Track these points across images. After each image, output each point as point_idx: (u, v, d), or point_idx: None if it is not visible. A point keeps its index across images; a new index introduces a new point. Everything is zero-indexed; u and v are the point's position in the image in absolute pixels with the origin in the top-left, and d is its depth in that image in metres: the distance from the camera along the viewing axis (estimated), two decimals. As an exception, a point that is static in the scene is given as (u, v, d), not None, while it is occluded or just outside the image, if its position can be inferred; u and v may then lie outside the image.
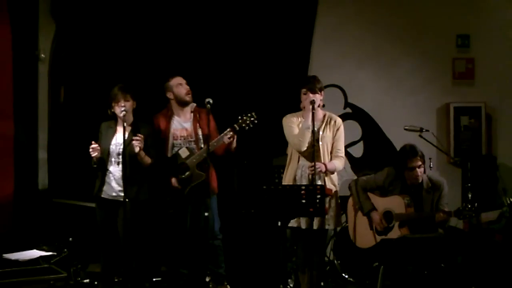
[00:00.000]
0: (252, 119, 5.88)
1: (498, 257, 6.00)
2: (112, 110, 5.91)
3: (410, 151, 5.81)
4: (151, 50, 7.21)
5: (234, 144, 5.98)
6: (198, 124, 6.13)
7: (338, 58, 7.64)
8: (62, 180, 7.17)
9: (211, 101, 5.84)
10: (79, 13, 7.18)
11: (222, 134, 5.91)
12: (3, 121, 6.90)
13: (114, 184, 5.89)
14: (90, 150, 5.78)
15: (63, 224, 6.68)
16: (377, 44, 7.70)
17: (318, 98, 5.71)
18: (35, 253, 6.06)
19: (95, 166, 5.88)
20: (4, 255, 5.97)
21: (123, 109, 5.81)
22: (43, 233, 6.74)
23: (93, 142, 5.82)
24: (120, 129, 5.89)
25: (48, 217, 6.89)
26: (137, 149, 5.73)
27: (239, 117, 5.89)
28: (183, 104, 6.16)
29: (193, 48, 7.23)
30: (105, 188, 5.91)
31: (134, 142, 5.71)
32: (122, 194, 5.78)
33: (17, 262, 5.83)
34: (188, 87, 6.17)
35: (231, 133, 5.86)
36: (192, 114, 6.18)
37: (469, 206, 5.62)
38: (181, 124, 6.17)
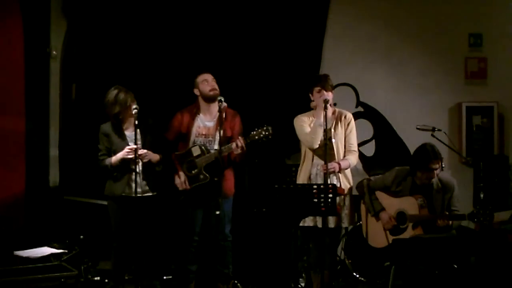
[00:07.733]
0: (266, 133, 5.70)
1: (510, 257, 5.97)
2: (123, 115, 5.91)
3: (433, 153, 5.69)
4: (162, 48, 7.21)
5: (240, 157, 5.89)
6: (221, 125, 5.88)
7: (349, 57, 7.61)
8: (73, 177, 7.18)
9: (222, 99, 5.82)
10: (90, 10, 7.19)
11: (232, 142, 5.83)
12: (15, 119, 6.93)
13: (140, 181, 5.82)
14: (128, 151, 5.73)
15: (74, 221, 6.69)
16: (389, 43, 7.66)
17: (331, 96, 5.78)
18: (46, 251, 6.10)
19: (111, 168, 5.82)
20: (15, 252, 6.01)
21: (134, 106, 5.80)
22: (54, 230, 6.76)
23: (130, 145, 5.78)
24: (130, 128, 5.87)
25: (59, 214, 6.90)
26: (155, 158, 5.85)
27: (255, 129, 5.76)
28: (208, 100, 6.03)
29: (204, 45, 7.22)
30: (135, 186, 5.76)
31: (144, 155, 5.77)
32: (147, 190, 5.81)
33: (28, 259, 5.87)
34: (213, 83, 6.03)
35: (239, 143, 5.75)
36: (218, 114, 5.90)
37: (482, 210, 5.55)
38: (204, 122, 6.08)
